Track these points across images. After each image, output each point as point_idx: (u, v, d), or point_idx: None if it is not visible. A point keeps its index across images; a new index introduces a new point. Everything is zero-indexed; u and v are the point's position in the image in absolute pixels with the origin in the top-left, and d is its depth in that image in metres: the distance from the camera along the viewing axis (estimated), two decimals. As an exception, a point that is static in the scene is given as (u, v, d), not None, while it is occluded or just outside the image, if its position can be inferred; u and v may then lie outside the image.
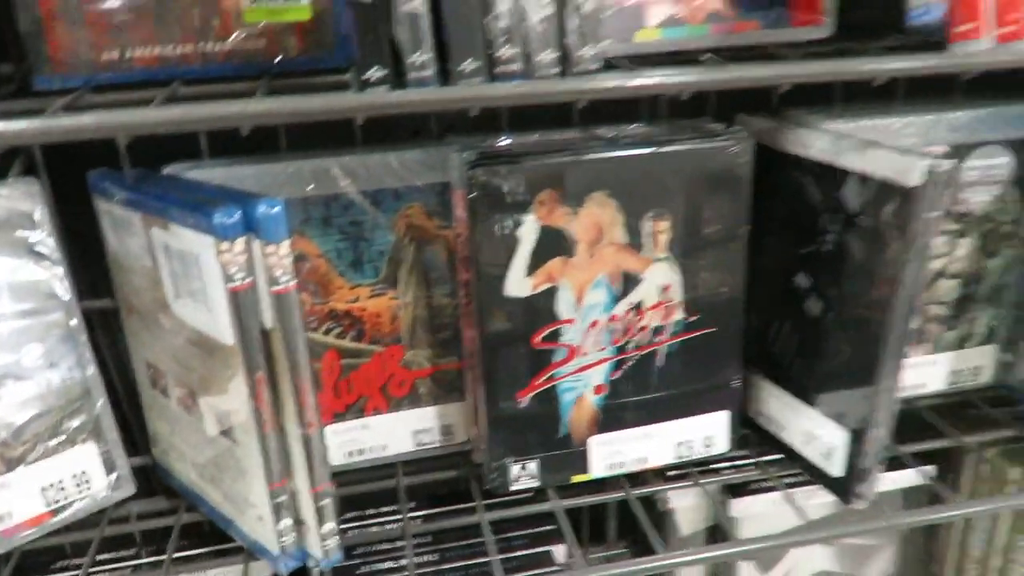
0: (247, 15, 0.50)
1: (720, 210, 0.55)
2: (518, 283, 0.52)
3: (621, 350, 0.56)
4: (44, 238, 0.55)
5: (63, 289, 0.56)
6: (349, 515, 0.67)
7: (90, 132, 0.37)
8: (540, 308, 0.54)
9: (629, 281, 0.55)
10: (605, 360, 0.56)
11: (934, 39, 0.47)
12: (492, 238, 0.51)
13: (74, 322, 0.58)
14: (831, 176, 0.54)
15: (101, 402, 0.59)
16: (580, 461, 0.59)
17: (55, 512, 0.58)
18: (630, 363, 0.57)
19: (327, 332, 0.59)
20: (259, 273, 0.46)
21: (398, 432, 0.63)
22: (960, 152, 0.61)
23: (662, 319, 0.56)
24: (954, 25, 0.47)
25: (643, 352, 0.57)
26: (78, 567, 0.63)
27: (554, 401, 0.56)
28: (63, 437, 0.58)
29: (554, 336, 0.55)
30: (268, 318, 0.47)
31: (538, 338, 0.54)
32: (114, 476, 0.61)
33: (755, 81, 0.42)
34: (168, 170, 0.54)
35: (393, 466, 0.64)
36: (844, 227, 0.54)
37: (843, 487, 0.59)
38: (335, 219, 0.56)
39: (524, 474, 0.58)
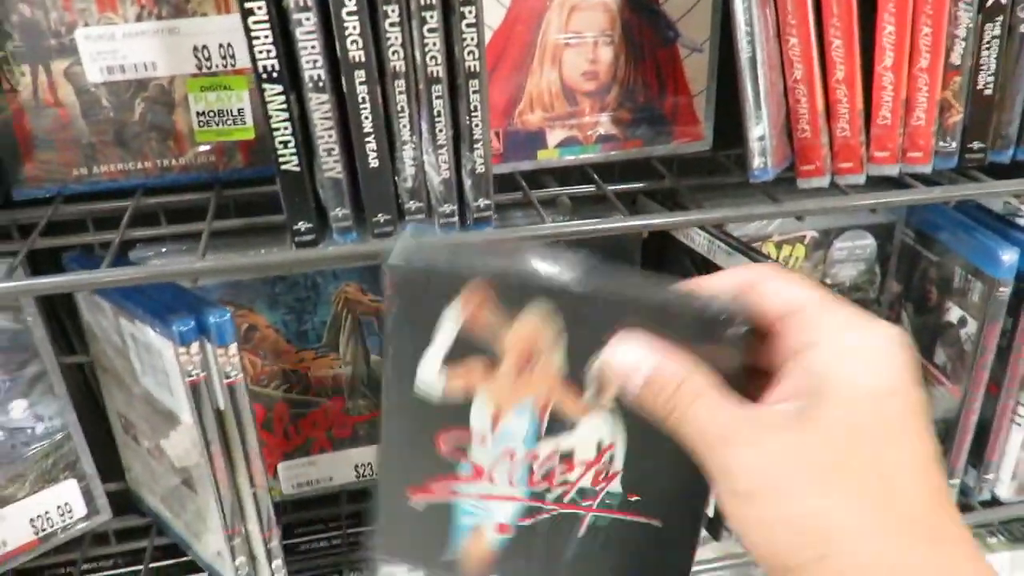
0: (199, 135, 0.58)
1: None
2: (431, 378, 0.39)
3: (537, 496, 0.41)
4: (27, 309, 0.64)
5: (45, 351, 0.65)
6: (297, 539, 0.77)
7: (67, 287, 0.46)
8: (451, 411, 0.39)
9: (561, 420, 0.39)
10: (515, 499, 0.41)
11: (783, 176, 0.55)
12: (409, 322, 0.38)
13: (55, 377, 0.66)
14: (707, 265, 0.63)
15: (80, 443, 0.69)
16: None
17: (43, 539, 0.68)
18: (545, 515, 0.41)
19: (277, 387, 0.69)
20: (212, 368, 0.55)
21: (340, 466, 0.73)
22: (830, 235, 0.70)
23: (593, 481, 0.40)
24: (801, 167, 0.56)
25: (563, 510, 0.41)
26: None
27: (449, 517, 0.42)
28: (48, 475, 0.68)
29: (462, 447, 0.40)
30: (221, 401, 0.56)
31: (444, 444, 0.40)
32: (92, 505, 0.70)
33: (622, 230, 0.51)
34: (134, 255, 0.62)
35: (337, 495, 0.75)
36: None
37: None
38: (281, 296, 0.65)
39: (405, 580, 0.44)
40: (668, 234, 0.66)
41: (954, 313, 0.66)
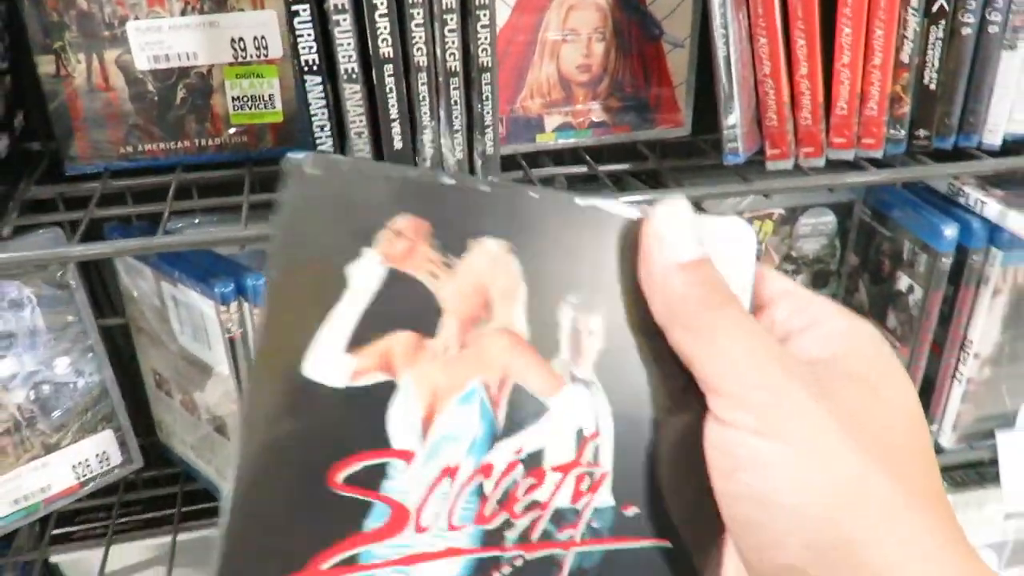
0: (233, 118, 0.64)
1: None
2: (329, 361, 0.26)
3: (492, 540, 0.28)
4: (70, 275, 0.70)
5: (85, 312, 0.72)
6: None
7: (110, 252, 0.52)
8: (358, 417, 0.27)
9: (523, 406, 0.28)
10: (458, 552, 0.27)
11: (753, 159, 0.63)
12: (302, 273, 0.26)
13: (93, 337, 0.73)
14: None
15: (116, 397, 0.75)
16: None
17: (83, 484, 0.75)
18: (504, 572, 0.28)
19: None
20: (248, 325, 0.62)
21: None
22: (795, 212, 0.78)
23: (574, 496, 0.28)
24: (769, 150, 0.63)
25: (532, 555, 0.28)
26: (105, 525, 0.80)
27: None
28: (87, 426, 0.74)
29: (373, 477, 0.27)
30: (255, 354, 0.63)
31: (341, 473, 0.26)
32: (127, 454, 0.77)
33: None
34: (169, 226, 0.69)
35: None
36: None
37: None
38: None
39: None
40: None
41: (903, 282, 0.75)
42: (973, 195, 0.70)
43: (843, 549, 0.25)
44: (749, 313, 0.28)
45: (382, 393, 0.27)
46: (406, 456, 0.27)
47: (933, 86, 0.64)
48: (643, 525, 0.29)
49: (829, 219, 0.79)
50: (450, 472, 0.27)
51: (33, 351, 0.70)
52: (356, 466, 0.26)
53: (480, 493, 0.27)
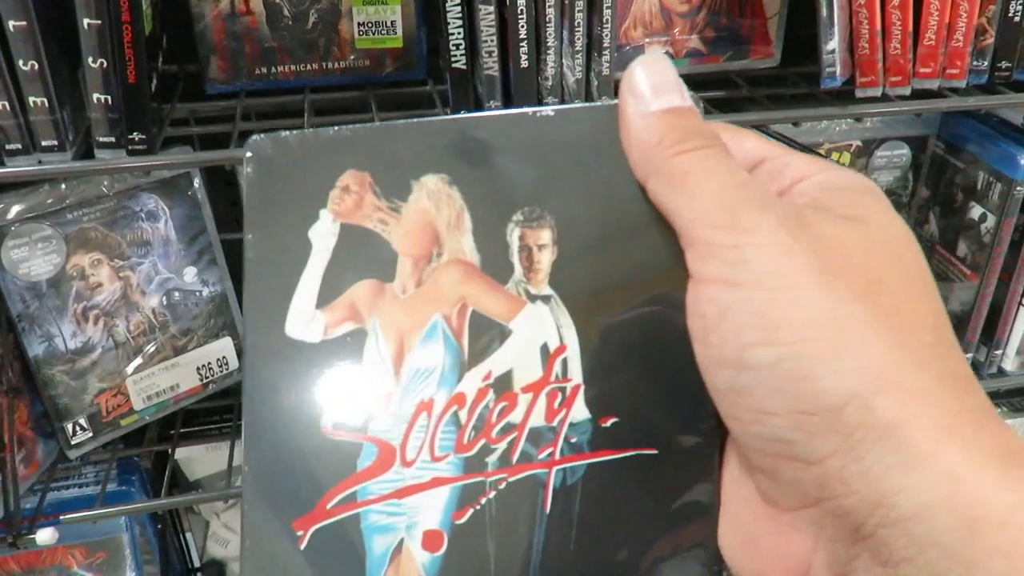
0: (358, 43, 0.69)
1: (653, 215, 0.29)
2: (304, 319, 0.29)
3: (474, 466, 0.29)
4: (198, 190, 0.76)
5: (211, 226, 0.78)
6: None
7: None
8: (338, 366, 0.29)
9: (485, 332, 0.29)
10: (443, 481, 0.29)
11: (842, 89, 0.67)
12: (273, 244, 0.30)
13: (217, 249, 0.79)
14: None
15: (235, 307, 0.82)
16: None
17: (205, 385, 0.82)
18: (490, 495, 0.29)
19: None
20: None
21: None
22: (872, 145, 0.82)
23: (548, 415, 0.29)
24: (860, 78, 0.68)
25: (514, 477, 0.29)
26: (228, 425, 0.87)
27: (355, 546, 0.29)
28: (210, 332, 0.81)
29: (358, 420, 0.29)
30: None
31: (331, 420, 0.29)
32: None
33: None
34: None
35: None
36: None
37: None
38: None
39: None
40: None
41: (976, 211, 0.79)
42: (1049, 126, 0.74)
43: (831, 411, 0.22)
44: (729, 157, 0.25)
45: (355, 341, 0.29)
46: (386, 399, 0.28)
47: (1017, 18, 0.68)
48: (624, 435, 0.28)
49: (904, 152, 0.83)
50: (426, 406, 0.28)
51: (166, 260, 0.76)
52: (342, 411, 0.28)
53: (457, 423, 0.28)
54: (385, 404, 0.28)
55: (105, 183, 0.70)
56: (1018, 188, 0.74)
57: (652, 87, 0.26)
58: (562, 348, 0.28)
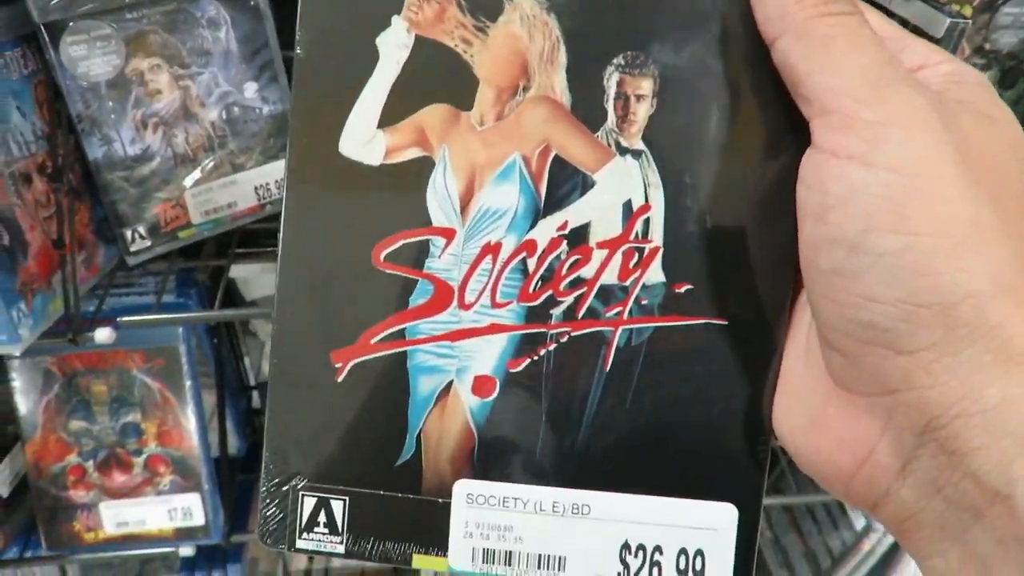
0: None
1: (764, 81, 0.27)
2: (363, 138, 0.27)
3: (537, 316, 0.28)
4: (261, 2, 0.73)
5: (273, 41, 0.75)
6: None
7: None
8: (396, 194, 0.27)
9: (567, 180, 0.27)
10: (502, 328, 0.28)
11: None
12: (331, 47, 0.27)
13: (278, 66, 0.76)
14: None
15: (295, 129, 0.80)
16: (433, 522, 0.28)
17: (262, 206, 0.81)
18: (550, 347, 0.28)
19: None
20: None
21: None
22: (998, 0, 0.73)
23: (622, 274, 0.28)
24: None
25: (578, 332, 0.28)
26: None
27: (399, 384, 0.28)
28: (269, 151, 0.80)
29: (415, 255, 0.28)
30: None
31: (384, 252, 0.27)
32: (301, 184, 0.83)
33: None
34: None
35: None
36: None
37: None
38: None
39: (322, 529, 0.28)
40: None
41: (1106, 83, 0.70)
42: None
43: (944, 305, 0.22)
44: (872, 31, 0.24)
45: (419, 169, 0.26)
46: (447, 234, 0.27)
47: None
48: (697, 303, 0.27)
49: (1034, 10, 0.74)
50: (492, 250, 0.27)
51: (226, 71, 0.74)
52: (397, 244, 0.27)
53: (524, 270, 0.27)
54: (447, 242, 0.27)
55: (165, -17, 0.67)
56: None
57: None
58: (646, 207, 0.27)
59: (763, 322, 0.27)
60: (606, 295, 0.27)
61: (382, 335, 0.27)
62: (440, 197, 0.27)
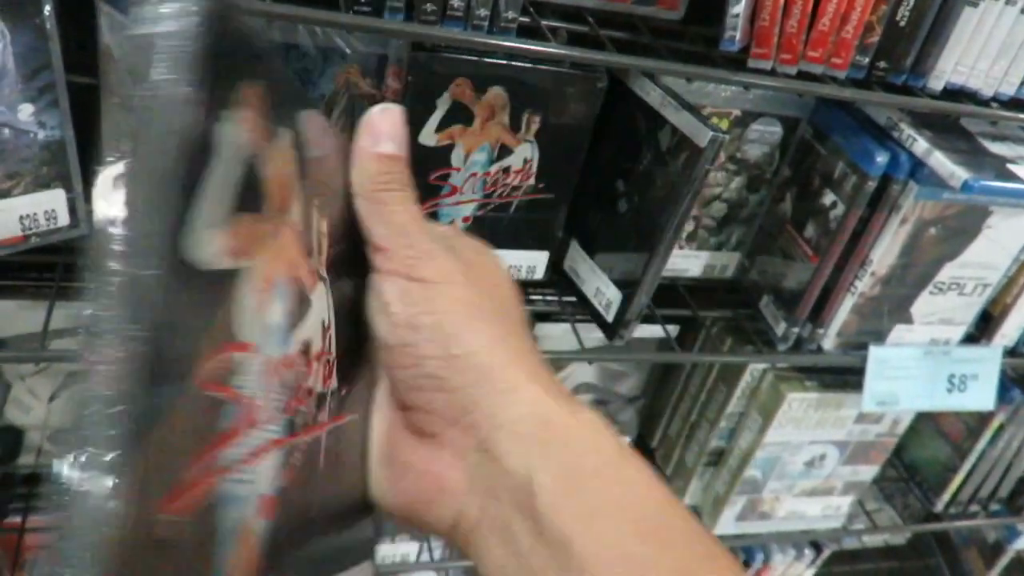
0: None
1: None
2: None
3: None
4: (48, 18, 0.68)
5: (57, 63, 0.70)
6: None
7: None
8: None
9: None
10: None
11: (735, 57, 0.69)
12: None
13: (61, 90, 0.72)
14: (656, 119, 0.76)
15: (73, 159, 0.75)
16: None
17: (27, 238, 0.75)
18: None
19: (267, 145, 0.77)
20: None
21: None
22: (749, 117, 0.85)
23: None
24: (755, 49, 0.69)
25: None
26: (49, 285, 0.80)
27: (210, 532, 0.24)
28: (41, 180, 0.74)
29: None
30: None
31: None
32: (75, 218, 0.77)
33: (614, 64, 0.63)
34: None
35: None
36: (655, 156, 0.77)
37: (612, 329, 0.85)
38: (292, 63, 0.73)
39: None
40: (627, 88, 0.79)
41: (828, 198, 0.84)
42: (907, 131, 0.79)
43: (463, 356, 0.33)
44: (414, 201, 0.35)
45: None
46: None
47: (903, 23, 0.71)
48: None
49: (776, 130, 0.87)
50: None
51: (-1, 91, 0.68)
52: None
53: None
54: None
55: (-64, -12, 0.61)
56: (870, 183, 0.79)
57: (382, 131, 0.35)
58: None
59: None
60: (321, 401, 0.32)
61: (204, 468, 0.24)
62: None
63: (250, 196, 0.25)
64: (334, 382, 0.33)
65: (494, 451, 0.32)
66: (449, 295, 0.34)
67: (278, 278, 0.27)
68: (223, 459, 0.24)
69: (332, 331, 0.32)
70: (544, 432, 0.32)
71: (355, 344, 0.35)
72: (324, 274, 0.31)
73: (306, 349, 0.29)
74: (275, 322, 0.27)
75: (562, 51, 0.63)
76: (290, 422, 0.28)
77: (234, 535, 0.25)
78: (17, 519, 0.92)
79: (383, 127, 0.35)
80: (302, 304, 0.29)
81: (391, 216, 0.34)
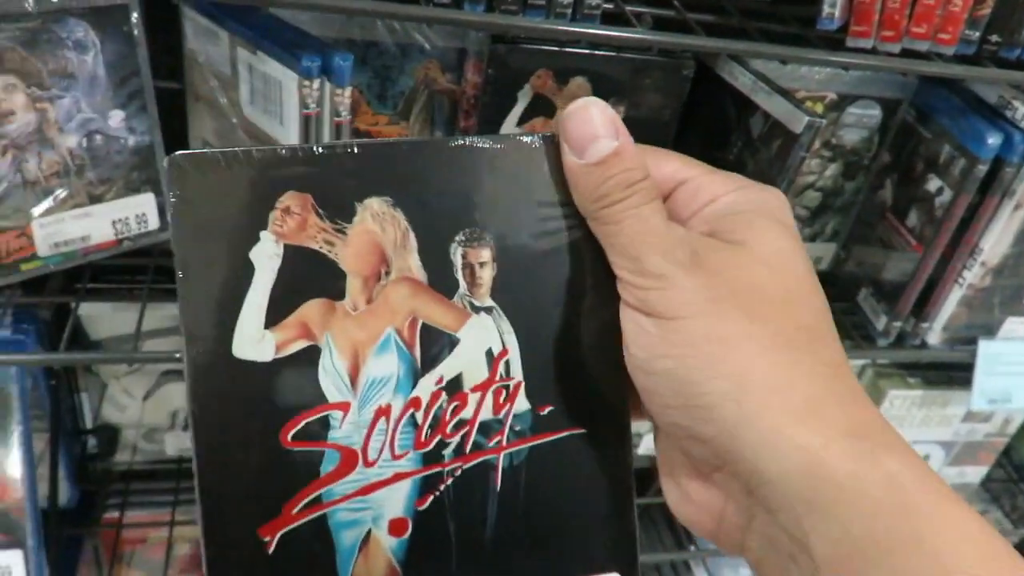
0: None
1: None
2: (253, 340, 0.31)
3: (432, 459, 0.33)
4: (135, 25, 0.69)
5: (145, 69, 0.71)
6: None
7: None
8: (292, 382, 0.31)
9: (436, 342, 0.33)
10: (404, 475, 0.33)
11: (832, 36, 0.65)
12: (210, 265, 0.30)
13: (149, 96, 0.73)
14: (746, 106, 0.73)
15: (162, 162, 0.76)
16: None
17: (120, 241, 0.76)
18: (448, 483, 0.33)
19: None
20: (325, 106, 0.63)
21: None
22: (845, 101, 0.81)
23: (495, 408, 0.33)
24: (853, 27, 0.65)
25: (468, 464, 0.33)
26: (141, 286, 0.82)
27: (324, 543, 0.32)
28: (131, 185, 0.75)
29: (319, 430, 0.32)
30: (327, 135, 0.65)
31: (290, 433, 0.31)
32: (165, 220, 0.78)
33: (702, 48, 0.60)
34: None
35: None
36: (745, 144, 0.74)
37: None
38: (370, 61, 0.72)
39: None
40: (713, 74, 0.75)
41: (934, 184, 0.79)
42: (1021, 110, 0.74)
43: (705, 408, 0.29)
44: (652, 198, 0.30)
45: (309, 357, 0.31)
46: (343, 407, 0.31)
47: (1020, -8, 0.66)
48: (558, 420, 0.33)
49: (875, 113, 0.82)
50: (384, 412, 0.32)
51: (91, 98, 0.70)
52: (301, 424, 0.31)
53: (414, 423, 0.32)
54: (343, 414, 0.31)
55: (30, 0, 0.63)
56: (980, 167, 0.74)
57: (581, 139, 0.30)
58: (504, 352, 0.33)
59: (612, 423, 0.34)
60: (486, 429, 0.33)
61: (302, 504, 0.31)
62: (331, 377, 0.31)
63: (314, 283, 0.30)
64: (521, 403, 0.33)
65: (766, 506, 0.29)
66: (686, 332, 0.29)
67: (378, 338, 0.31)
68: (330, 493, 0.31)
69: (515, 355, 0.33)
70: (813, 492, 0.27)
71: (585, 361, 0.33)
72: (487, 303, 0.32)
73: (453, 384, 0.32)
74: (379, 375, 0.31)
75: (648, 36, 0.60)
76: (427, 455, 0.32)
77: (355, 550, 0.32)
78: (115, 514, 0.94)
79: (577, 132, 0.30)
80: (435, 346, 0.32)
81: (615, 237, 0.30)
